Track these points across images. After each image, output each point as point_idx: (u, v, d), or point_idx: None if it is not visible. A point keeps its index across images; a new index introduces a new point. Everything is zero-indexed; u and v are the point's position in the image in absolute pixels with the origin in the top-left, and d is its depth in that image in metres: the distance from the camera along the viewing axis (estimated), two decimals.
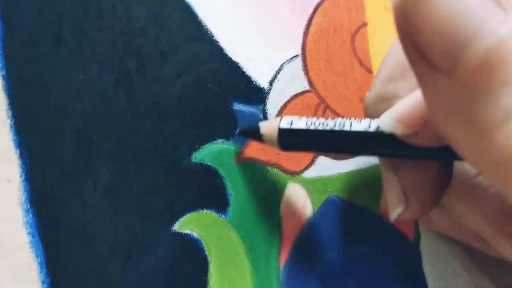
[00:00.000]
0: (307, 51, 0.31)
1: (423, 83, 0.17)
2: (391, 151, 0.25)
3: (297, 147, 0.29)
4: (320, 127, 0.25)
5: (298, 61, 0.30)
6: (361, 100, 0.32)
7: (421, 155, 0.24)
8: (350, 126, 0.25)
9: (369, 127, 0.24)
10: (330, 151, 0.30)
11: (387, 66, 0.25)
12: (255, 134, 0.29)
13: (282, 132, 0.28)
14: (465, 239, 0.28)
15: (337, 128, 0.25)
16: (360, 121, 0.25)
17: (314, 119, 0.25)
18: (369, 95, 0.26)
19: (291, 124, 0.27)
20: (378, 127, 0.23)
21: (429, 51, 0.16)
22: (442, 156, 0.24)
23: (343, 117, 0.31)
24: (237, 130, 0.30)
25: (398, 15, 0.16)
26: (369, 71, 0.32)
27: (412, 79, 0.24)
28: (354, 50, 0.32)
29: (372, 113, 0.26)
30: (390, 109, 0.22)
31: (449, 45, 0.15)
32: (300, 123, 0.27)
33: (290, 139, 0.28)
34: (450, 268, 0.31)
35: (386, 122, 0.23)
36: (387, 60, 0.25)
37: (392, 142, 0.23)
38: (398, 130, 0.22)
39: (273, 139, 0.28)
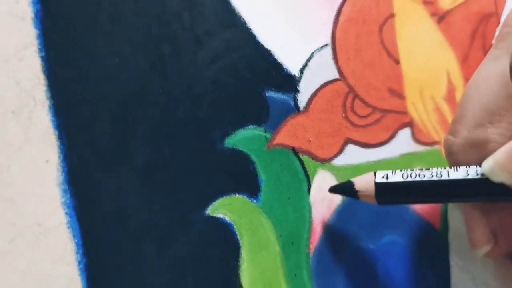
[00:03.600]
0: (336, 40, 0.33)
1: None
2: (493, 197, 0.27)
3: (395, 201, 0.32)
4: (418, 179, 0.29)
5: (328, 50, 0.33)
6: (389, 90, 0.34)
7: None
8: (448, 175, 0.26)
9: (468, 174, 0.26)
10: (429, 201, 0.33)
11: (471, 111, 0.27)
12: (349, 191, 0.32)
13: (379, 186, 0.31)
14: None
15: (435, 178, 0.27)
16: (457, 170, 0.26)
17: (409, 171, 0.30)
18: (455, 141, 0.28)
19: (387, 178, 0.30)
20: (481, 174, 0.25)
21: None
22: None
23: (371, 106, 0.33)
24: (329, 189, 0.33)
25: None
26: (397, 61, 0.35)
27: (502, 124, 0.26)
28: (382, 41, 0.34)
29: (461, 159, 0.28)
30: (493, 157, 0.24)
31: None
32: (396, 176, 0.30)
33: (387, 194, 0.31)
34: (479, 258, 0.32)
35: (491, 169, 0.25)
36: (470, 105, 0.27)
37: (494, 188, 0.26)
38: (505, 178, 0.24)
39: (370, 194, 0.31)
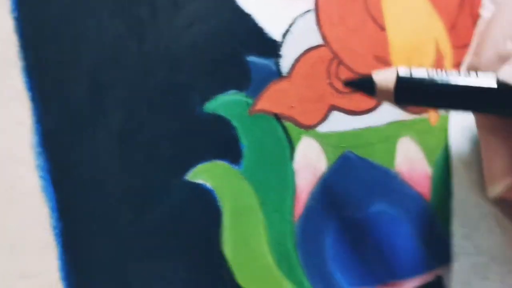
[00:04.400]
0: (319, 5, 0.33)
1: None
2: None
3: (414, 100, 0.29)
4: (444, 78, 0.27)
5: (311, 15, 0.32)
6: (375, 57, 0.34)
7: None
8: (477, 76, 0.26)
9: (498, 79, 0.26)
10: (449, 106, 0.30)
11: (501, 26, 0.26)
12: (366, 84, 0.28)
13: (401, 81, 0.27)
14: None
15: (461, 82, 0.27)
16: (486, 74, 0.27)
17: (434, 70, 0.28)
18: (480, 62, 0.27)
19: (410, 74, 0.27)
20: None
21: None
22: None
23: (357, 72, 0.32)
24: (344, 82, 0.30)
25: None
26: (382, 28, 0.34)
27: None
28: (367, 7, 0.34)
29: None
30: None
31: None
32: (420, 72, 0.27)
33: (408, 90, 0.28)
34: (484, 224, 0.31)
35: None
36: (500, 21, 0.26)
37: None
38: None
39: (388, 89, 0.27)
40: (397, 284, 0.34)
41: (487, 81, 0.27)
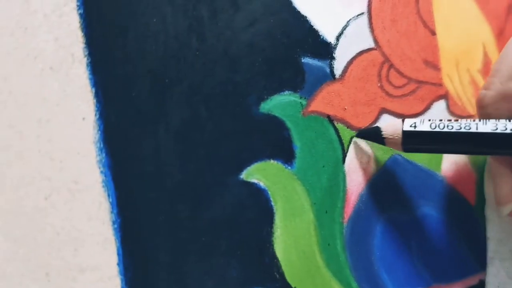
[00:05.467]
0: (372, 9, 0.33)
1: None
2: None
3: (421, 150, 0.32)
4: (445, 130, 0.30)
5: (364, 19, 0.33)
6: (425, 61, 0.34)
7: None
8: (477, 127, 0.26)
9: (496, 128, 0.26)
10: (454, 152, 0.33)
11: (506, 65, 0.27)
12: (376, 136, 0.32)
13: (406, 134, 0.30)
14: None
15: (463, 130, 0.29)
16: (486, 123, 0.29)
17: (437, 121, 0.30)
18: (487, 93, 0.28)
19: (415, 127, 0.30)
20: (510, 129, 0.28)
21: None
22: None
23: (407, 76, 0.33)
24: (356, 134, 0.33)
25: None
26: (433, 32, 0.35)
27: None
28: (418, 11, 0.34)
29: (491, 111, 0.28)
30: None
31: None
32: (424, 125, 0.30)
33: (414, 142, 0.31)
34: None
35: None
36: (506, 60, 0.27)
37: None
38: None
39: (396, 142, 0.31)
40: (442, 287, 0.34)
41: (487, 128, 0.29)
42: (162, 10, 0.31)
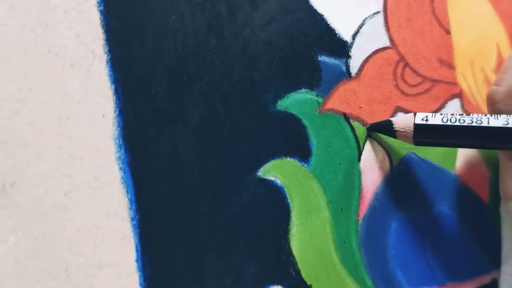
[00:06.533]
0: (388, 8, 0.34)
1: None
2: None
3: (432, 143, 0.33)
4: (457, 124, 0.30)
5: (380, 17, 0.33)
6: (439, 60, 0.35)
7: None
8: (488, 122, 0.26)
9: (508, 123, 0.26)
10: (465, 146, 0.34)
11: None
12: (387, 129, 0.33)
13: (418, 128, 0.31)
14: None
15: (474, 124, 0.30)
16: (497, 118, 0.30)
17: (449, 115, 0.31)
18: (499, 90, 0.29)
19: (426, 120, 0.31)
20: None
21: None
22: None
23: (422, 75, 0.33)
24: (368, 126, 0.34)
25: None
26: (447, 32, 0.35)
27: None
28: (433, 10, 0.35)
29: (502, 107, 0.28)
30: None
31: None
32: (436, 119, 0.31)
33: (426, 136, 0.32)
34: None
35: None
36: None
37: None
38: None
39: (408, 135, 0.32)
40: (456, 286, 0.35)
41: (498, 123, 0.30)
42: (181, 8, 0.31)
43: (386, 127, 0.33)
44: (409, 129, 0.32)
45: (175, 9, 0.32)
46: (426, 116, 0.32)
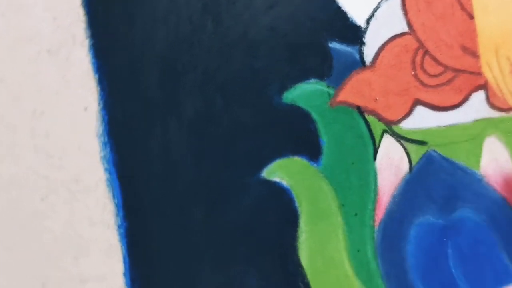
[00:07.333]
0: None
1: None
2: None
3: None
4: None
5: (397, 0, 0.29)
6: (462, 47, 0.31)
7: None
8: None
9: None
10: None
11: None
12: None
13: None
14: None
15: None
16: None
17: None
18: None
19: None
20: None
21: None
22: None
23: (443, 64, 0.31)
24: None
25: None
26: (471, 16, 0.31)
27: None
28: None
29: None
30: None
31: None
32: None
33: None
34: None
35: None
36: None
37: None
38: None
39: None
40: None
41: None
42: None
43: None
44: None
45: None
46: None
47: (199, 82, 0.29)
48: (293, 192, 0.30)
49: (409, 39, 0.34)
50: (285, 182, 0.30)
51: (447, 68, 0.34)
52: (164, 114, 0.28)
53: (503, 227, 0.35)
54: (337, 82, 0.32)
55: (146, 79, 0.28)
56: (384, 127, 0.33)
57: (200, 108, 0.29)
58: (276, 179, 0.30)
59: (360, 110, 0.32)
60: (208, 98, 0.29)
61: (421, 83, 0.33)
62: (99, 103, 0.28)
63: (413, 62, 0.34)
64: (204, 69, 0.29)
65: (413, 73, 0.33)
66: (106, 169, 0.28)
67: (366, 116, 0.32)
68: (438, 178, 0.34)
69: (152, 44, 0.28)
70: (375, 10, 0.33)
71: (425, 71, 0.33)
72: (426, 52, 0.34)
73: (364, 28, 0.33)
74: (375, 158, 0.32)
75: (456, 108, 0.34)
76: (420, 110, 0.34)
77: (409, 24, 0.34)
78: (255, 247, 0.30)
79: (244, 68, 0.30)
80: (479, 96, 0.35)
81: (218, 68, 0.30)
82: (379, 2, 0.33)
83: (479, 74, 0.35)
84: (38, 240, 0.26)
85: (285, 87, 0.31)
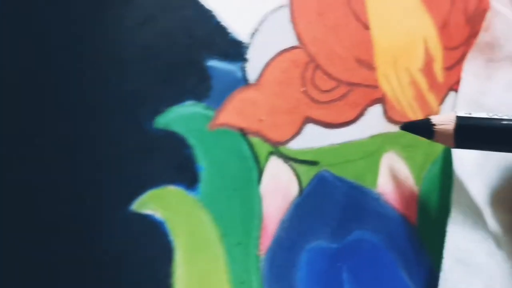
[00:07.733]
0: (295, 0, 0.27)
1: None
2: None
3: (475, 144, 0.30)
4: (506, 117, 0.28)
5: (285, 12, 0.27)
6: (357, 59, 0.29)
7: None
8: None
9: None
10: None
11: None
12: (424, 127, 0.29)
13: (460, 122, 0.28)
14: None
15: None
16: None
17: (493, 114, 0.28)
18: None
19: (470, 114, 0.29)
20: None
21: None
22: None
23: (336, 78, 0.28)
24: (400, 126, 0.30)
25: None
26: (366, 27, 0.29)
27: None
28: (349, 2, 0.29)
29: None
30: None
31: None
32: (480, 114, 0.29)
33: (469, 132, 0.29)
34: (483, 248, 0.32)
35: None
36: None
37: None
38: None
39: (448, 132, 0.29)
40: None
41: None
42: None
43: (423, 126, 0.29)
44: (450, 124, 0.28)
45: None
46: (470, 113, 0.29)
47: (56, 104, 0.26)
48: (167, 225, 0.28)
49: (298, 53, 0.31)
50: (158, 214, 0.28)
51: (340, 82, 0.32)
52: (15, 144, 0.25)
53: (402, 245, 0.33)
54: (217, 103, 0.29)
55: None
56: (270, 148, 0.30)
57: (58, 134, 0.26)
58: (148, 211, 0.27)
59: (244, 132, 0.30)
60: (68, 123, 0.26)
61: (312, 99, 0.31)
62: None
63: (303, 77, 0.31)
64: (61, 90, 0.26)
65: (302, 89, 0.31)
66: None
67: (250, 138, 0.30)
68: (331, 199, 0.31)
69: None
70: (259, 23, 0.30)
71: (316, 87, 0.31)
72: (318, 66, 0.31)
73: (247, 44, 0.30)
74: (259, 183, 0.30)
75: (350, 124, 0.32)
76: (311, 128, 0.31)
77: (298, 37, 0.31)
78: (125, 286, 0.27)
79: (111, 90, 0.27)
80: (375, 111, 0.33)
81: (80, 90, 0.27)
82: (265, 15, 0.31)
83: (375, 87, 0.33)
84: None
85: (157, 111, 0.28)
